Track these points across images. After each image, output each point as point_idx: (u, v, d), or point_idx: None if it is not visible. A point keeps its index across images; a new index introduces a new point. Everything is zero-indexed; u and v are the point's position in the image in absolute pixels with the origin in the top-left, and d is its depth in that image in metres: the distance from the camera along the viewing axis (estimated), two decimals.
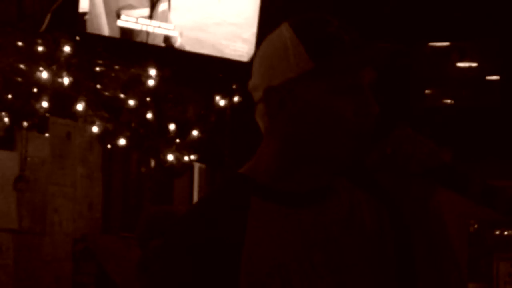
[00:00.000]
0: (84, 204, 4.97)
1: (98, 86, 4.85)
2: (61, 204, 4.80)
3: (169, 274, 1.51)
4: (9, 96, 4.36)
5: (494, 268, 6.73)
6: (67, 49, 4.57)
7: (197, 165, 6.20)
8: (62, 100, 4.60)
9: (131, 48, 5.24)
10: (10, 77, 4.38)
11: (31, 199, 4.59)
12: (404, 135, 1.49)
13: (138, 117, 5.09)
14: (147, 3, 5.28)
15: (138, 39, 5.27)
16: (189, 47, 5.49)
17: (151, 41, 5.32)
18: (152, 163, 5.47)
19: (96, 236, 5.01)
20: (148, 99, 5.11)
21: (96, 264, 4.91)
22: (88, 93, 4.73)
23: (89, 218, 5.00)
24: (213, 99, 5.68)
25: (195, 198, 6.25)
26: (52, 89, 4.49)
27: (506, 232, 6.90)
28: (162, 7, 5.34)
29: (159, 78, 5.13)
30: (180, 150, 5.42)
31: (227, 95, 5.74)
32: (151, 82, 5.09)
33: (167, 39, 5.41)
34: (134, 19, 5.22)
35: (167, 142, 5.36)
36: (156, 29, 5.32)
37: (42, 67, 4.45)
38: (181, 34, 5.45)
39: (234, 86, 5.79)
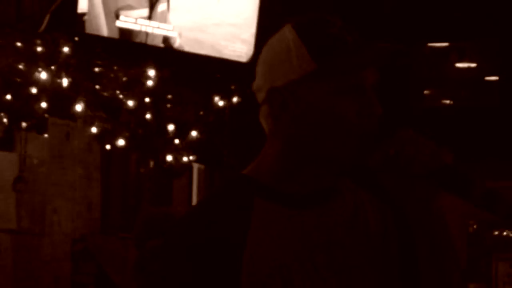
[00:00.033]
0: (83, 204, 4.97)
1: (97, 86, 4.85)
2: (60, 204, 4.80)
3: (170, 274, 1.51)
4: (8, 96, 4.36)
5: (493, 268, 6.74)
6: (66, 49, 4.57)
7: (196, 166, 6.20)
8: (61, 100, 4.60)
9: (130, 49, 5.24)
10: (9, 77, 4.38)
11: (30, 199, 4.59)
12: (406, 136, 1.49)
13: (137, 117, 5.09)
14: (146, 3, 5.28)
15: (137, 40, 5.27)
16: (188, 48, 5.49)
17: (150, 41, 5.32)
18: (151, 163, 5.47)
19: (95, 236, 5.01)
20: (147, 99, 5.12)
21: (95, 264, 4.91)
22: (87, 94, 4.73)
23: (88, 219, 5.00)
24: (212, 99, 5.68)
25: (194, 198, 6.25)
26: (51, 90, 4.49)
27: (505, 233, 6.90)
28: (161, 7, 5.34)
29: (158, 78, 5.13)
30: (179, 151, 5.42)
31: (226, 96, 5.75)
32: (150, 83, 5.09)
33: (166, 39, 5.41)
34: (133, 19, 5.22)
35: (166, 143, 5.36)
36: (155, 29, 5.33)
37: (41, 67, 4.45)
38: (180, 35, 5.45)
39: (233, 87, 5.79)
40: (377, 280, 1.52)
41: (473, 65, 6.98)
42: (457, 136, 6.28)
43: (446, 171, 1.45)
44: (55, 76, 4.52)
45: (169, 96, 5.34)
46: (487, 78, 6.94)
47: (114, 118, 4.94)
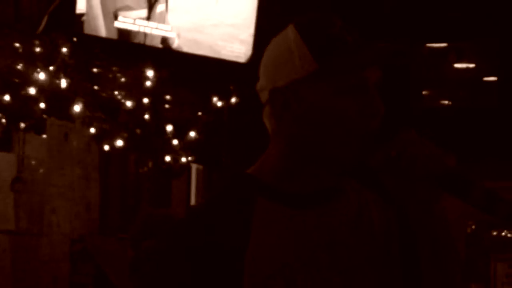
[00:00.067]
0: (82, 205, 4.97)
1: (96, 87, 4.85)
2: (58, 205, 4.79)
3: (170, 274, 1.51)
4: (7, 97, 4.36)
5: (491, 269, 6.74)
6: (64, 50, 4.57)
7: (194, 166, 6.20)
8: (60, 101, 4.60)
9: (129, 49, 5.24)
10: (8, 78, 4.38)
11: (29, 200, 4.59)
12: (409, 138, 1.49)
13: (135, 118, 5.09)
14: (145, 4, 5.28)
15: (136, 41, 5.27)
16: (186, 48, 5.49)
17: (148, 42, 5.32)
18: (150, 164, 5.47)
19: (93, 236, 5.00)
20: (145, 100, 5.11)
21: (93, 265, 4.90)
22: (86, 94, 4.73)
23: (87, 219, 5.00)
24: (211, 100, 5.68)
25: (193, 199, 6.25)
26: (49, 90, 4.48)
27: (503, 233, 6.90)
28: (159, 8, 5.34)
29: (157, 79, 5.13)
30: (177, 151, 5.42)
31: (224, 96, 5.75)
32: (148, 83, 5.09)
33: (164, 40, 5.41)
34: (131, 20, 5.22)
35: (165, 143, 5.36)
36: (153, 30, 5.33)
37: (40, 68, 4.45)
38: (178, 35, 5.45)
39: (231, 87, 5.79)
40: (380, 280, 1.52)
41: (471, 65, 6.98)
42: (455, 137, 6.28)
43: (448, 174, 1.45)
44: (54, 76, 4.51)
45: (168, 97, 5.34)
46: (486, 78, 6.94)
47: (112, 119, 4.94)
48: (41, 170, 4.67)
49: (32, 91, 4.40)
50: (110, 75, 4.94)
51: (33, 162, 4.63)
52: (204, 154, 5.86)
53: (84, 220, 4.97)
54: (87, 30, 5.03)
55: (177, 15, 5.43)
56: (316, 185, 1.54)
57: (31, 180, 4.60)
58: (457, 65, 7.00)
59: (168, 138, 5.36)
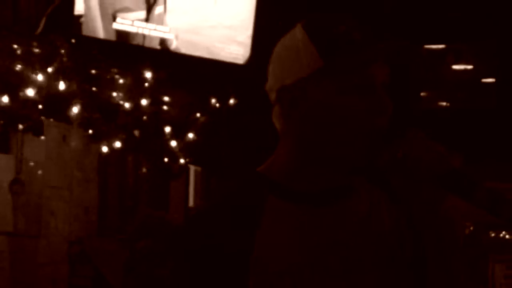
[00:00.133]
0: (80, 206, 4.96)
1: (94, 88, 4.85)
2: (57, 207, 4.79)
3: (178, 275, 1.52)
4: (5, 98, 4.36)
5: (489, 270, 6.74)
6: (62, 52, 4.57)
7: (192, 168, 6.20)
8: (58, 102, 4.60)
9: (127, 51, 5.24)
10: (6, 79, 4.37)
11: (27, 202, 4.58)
12: (415, 138, 1.49)
13: (134, 119, 5.09)
14: (144, 5, 5.28)
15: (135, 42, 5.27)
16: (184, 50, 5.49)
17: (147, 43, 5.32)
18: (148, 165, 5.47)
19: (92, 238, 5.00)
20: (144, 101, 5.11)
21: (92, 267, 4.90)
22: (84, 96, 4.72)
23: (85, 221, 4.99)
24: (209, 101, 5.68)
25: (191, 200, 6.25)
26: (47, 92, 4.48)
27: (501, 234, 6.90)
28: (158, 10, 5.33)
29: (155, 80, 5.13)
30: (175, 153, 5.42)
31: (222, 98, 5.75)
32: (147, 85, 5.09)
33: (163, 41, 5.41)
34: (130, 21, 5.21)
35: (163, 145, 5.36)
36: (152, 31, 5.32)
37: (38, 69, 4.44)
38: (176, 37, 5.45)
39: (229, 89, 5.79)
40: (388, 280, 1.52)
41: (469, 67, 6.98)
42: (453, 138, 6.27)
43: (453, 175, 1.45)
44: (52, 78, 4.51)
45: (166, 98, 5.34)
46: (484, 80, 6.94)
47: (110, 120, 4.94)
48: (39, 172, 4.67)
49: (30, 92, 4.39)
50: (109, 77, 4.94)
51: (31, 164, 4.63)
52: (202, 156, 5.86)
53: (82, 222, 4.97)
54: (86, 31, 5.03)
55: (175, 16, 5.43)
56: (326, 184, 1.54)
57: (29, 182, 4.60)
58: (455, 67, 7.00)
59: (166, 139, 5.35)
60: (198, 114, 5.59)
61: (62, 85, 4.54)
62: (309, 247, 1.50)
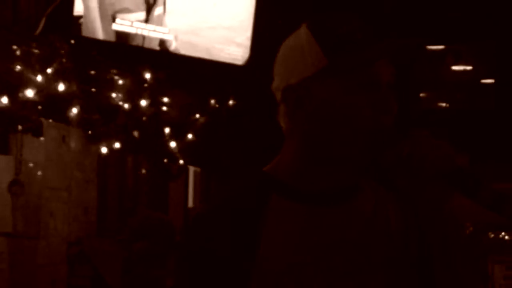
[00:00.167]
0: (80, 207, 4.96)
1: (93, 89, 4.85)
2: (56, 207, 4.79)
3: (184, 274, 1.52)
4: (4, 99, 4.35)
5: (489, 270, 6.74)
6: (62, 52, 4.57)
7: (192, 168, 6.20)
8: (57, 103, 4.60)
9: (127, 52, 5.24)
10: (5, 80, 4.37)
11: (26, 202, 4.58)
12: (420, 137, 1.49)
13: (133, 120, 5.09)
14: (143, 6, 5.28)
15: (134, 43, 5.27)
16: (183, 51, 5.49)
17: (147, 44, 5.32)
18: (148, 166, 5.47)
19: (91, 239, 5.00)
20: (143, 102, 5.11)
21: (91, 267, 4.90)
22: (83, 97, 4.72)
23: (84, 222, 4.99)
24: (208, 102, 5.68)
25: (190, 201, 6.25)
26: (47, 93, 4.48)
27: (501, 235, 6.90)
28: (157, 11, 5.33)
29: (154, 81, 5.13)
30: (175, 153, 5.42)
31: (221, 99, 5.75)
32: (146, 86, 5.09)
33: (162, 42, 5.41)
34: (129, 22, 5.21)
35: (162, 145, 5.36)
36: (151, 32, 5.32)
37: (37, 70, 4.44)
38: (176, 38, 5.45)
39: (229, 90, 5.80)
40: (395, 280, 1.52)
41: (469, 68, 6.99)
42: (452, 139, 6.27)
43: (458, 174, 1.45)
44: (51, 79, 4.51)
45: (165, 99, 5.34)
46: (483, 81, 6.95)
47: (110, 121, 4.94)
48: (39, 173, 4.67)
49: (29, 93, 4.39)
50: (108, 78, 4.94)
51: (31, 165, 4.63)
52: (201, 156, 5.86)
53: (82, 223, 4.97)
54: (85, 32, 5.03)
55: (175, 17, 5.43)
56: (332, 184, 1.54)
57: (28, 183, 4.59)
58: (454, 68, 7.00)
59: (165, 140, 5.36)
60: (197, 115, 5.59)
61: (61, 86, 4.54)
62: (315, 247, 1.50)
